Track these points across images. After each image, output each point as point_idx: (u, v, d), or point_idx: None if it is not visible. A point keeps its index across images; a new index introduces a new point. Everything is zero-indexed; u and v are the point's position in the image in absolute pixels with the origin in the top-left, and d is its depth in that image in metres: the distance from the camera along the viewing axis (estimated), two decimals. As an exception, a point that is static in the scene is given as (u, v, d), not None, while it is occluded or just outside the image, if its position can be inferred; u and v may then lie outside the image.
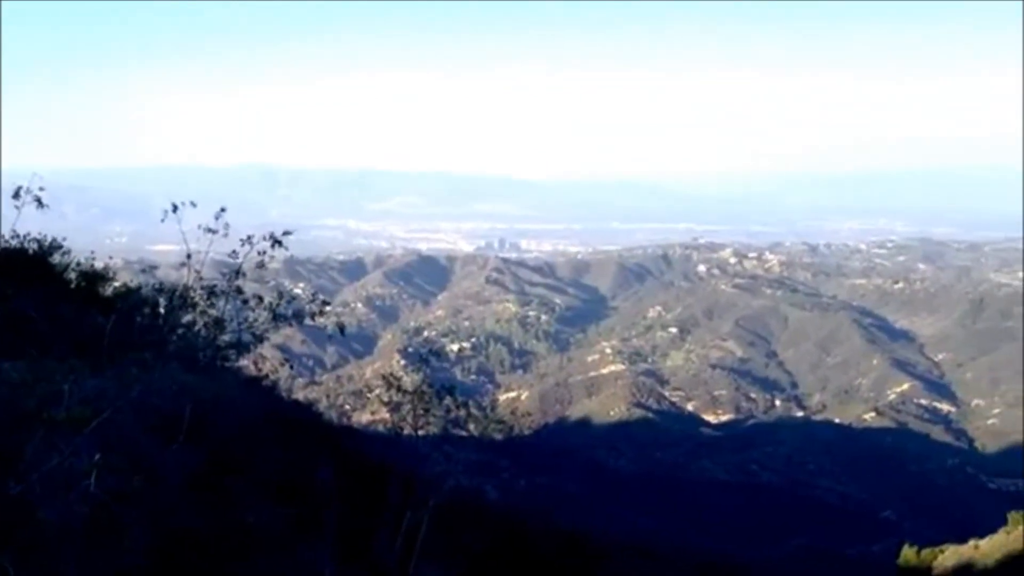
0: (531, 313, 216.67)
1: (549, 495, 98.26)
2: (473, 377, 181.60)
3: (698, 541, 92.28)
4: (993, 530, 56.88)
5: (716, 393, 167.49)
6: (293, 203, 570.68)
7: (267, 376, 18.78)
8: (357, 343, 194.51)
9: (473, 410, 18.01)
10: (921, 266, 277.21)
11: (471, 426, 18.02)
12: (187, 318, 15.13)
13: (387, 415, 17.40)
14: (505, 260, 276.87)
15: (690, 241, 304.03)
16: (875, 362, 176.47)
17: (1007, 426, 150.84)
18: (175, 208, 13.35)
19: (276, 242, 13.97)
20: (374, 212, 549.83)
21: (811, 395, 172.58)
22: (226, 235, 13.69)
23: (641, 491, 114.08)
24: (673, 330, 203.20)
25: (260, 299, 14.79)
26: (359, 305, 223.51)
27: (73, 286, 18.60)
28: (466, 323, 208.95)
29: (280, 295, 15.26)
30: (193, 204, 13.49)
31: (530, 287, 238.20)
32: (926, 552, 58.34)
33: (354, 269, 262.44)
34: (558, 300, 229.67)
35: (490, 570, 21.21)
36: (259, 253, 13.93)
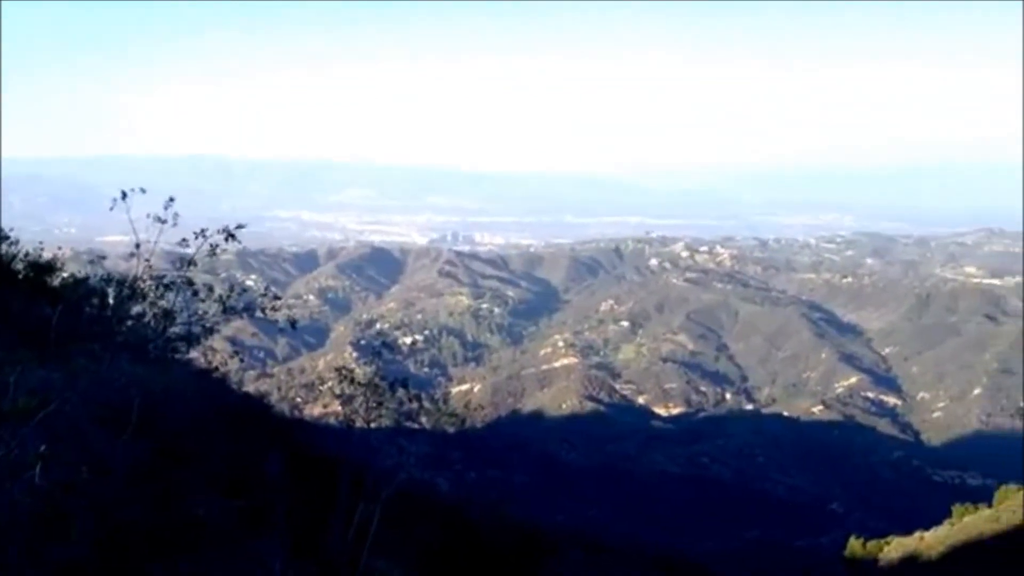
0: (484, 306, 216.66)
1: (501, 488, 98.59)
2: (426, 370, 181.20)
3: (649, 534, 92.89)
4: (938, 522, 57.95)
5: (667, 386, 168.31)
6: (246, 194, 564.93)
7: (217, 368, 18.65)
8: (309, 335, 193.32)
9: (426, 403, 17.96)
10: (869, 261, 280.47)
11: (423, 419, 17.98)
12: (136, 309, 14.97)
13: (339, 408, 17.32)
14: (458, 253, 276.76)
15: (642, 235, 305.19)
16: (823, 356, 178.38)
17: (952, 419, 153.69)
18: (124, 195, 13.14)
19: (230, 235, 13.85)
20: (327, 204, 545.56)
21: (761, 388, 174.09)
22: (176, 225, 13.53)
23: (592, 484, 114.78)
24: (625, 323, 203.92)
25: (211, 290, 14.68)
26: (311, 297, 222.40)
27: (20, 277, 18.36)
28: (419, 316, 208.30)
29: (231, 287, 15.15)
30: (143, 190, 13.28)
31: (483, 280, 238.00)
32: (872, 544, 59.30)
33: (306, 261, 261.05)
34: (511, 293, 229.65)
35: (441, 563, 21.23)
36: (211, 246, 13.81)
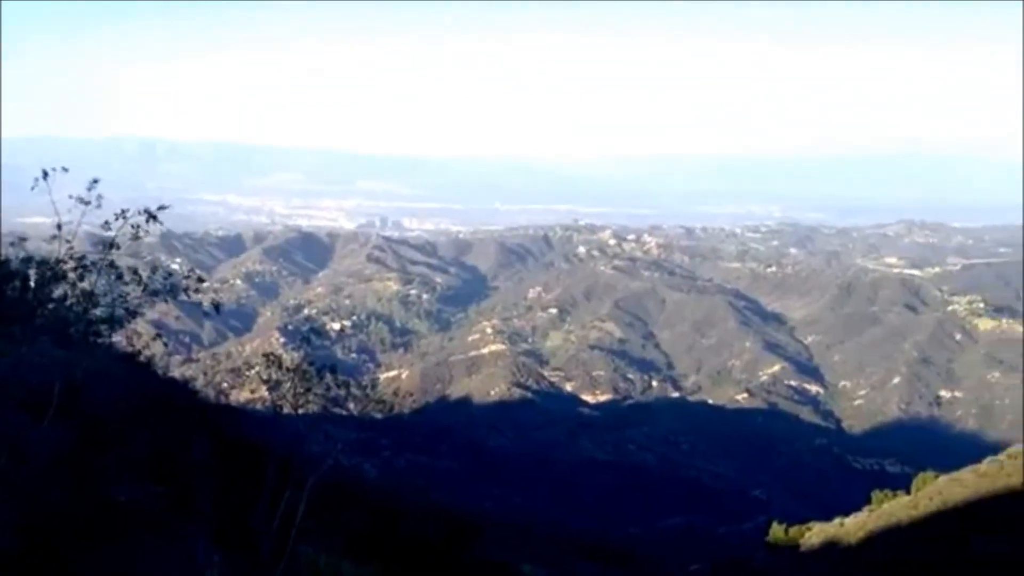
0: (412, 292, 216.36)
1: (428, 474, 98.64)
2: (354, 356, 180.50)
3: (576, 520, 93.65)
4: (857, 508, 59.12)
5: (594, 374, 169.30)
6: (172, 176, 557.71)
7: (141, 352, 18.34)
8: (236, 320, 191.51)
9: (353, 389, 17.83)
10: (793, 251, 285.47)
11: (351, 405, 17.87)
12: (59, 292, 14.69)
13: (266, 393, 17.16)
14: (387, 238, 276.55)
15: (571, 223, 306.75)
16: (748, 344, 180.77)
17: (872, 408, 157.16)
18: (45, 175, 12.90)
19: (151, 216, 13.63)
20: (255, 188, 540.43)
21: (687, 376, 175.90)
22: (99, 207, 13.30)
23: (520, 470, 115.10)
24: (553, 311, 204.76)
25: (135, 273, 14.44)
26: (238, 281, 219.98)
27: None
28: (347, 301, 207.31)
29: (154, 269, 14.91)
30: (65, 169, 13.04)
31: (412, 265, 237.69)
32: (794, 530, 60.32)
33: (233, 245, 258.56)
34: (439, 279, 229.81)
35: (368, 549, 21.19)
36: (133, 227, 13.58)
